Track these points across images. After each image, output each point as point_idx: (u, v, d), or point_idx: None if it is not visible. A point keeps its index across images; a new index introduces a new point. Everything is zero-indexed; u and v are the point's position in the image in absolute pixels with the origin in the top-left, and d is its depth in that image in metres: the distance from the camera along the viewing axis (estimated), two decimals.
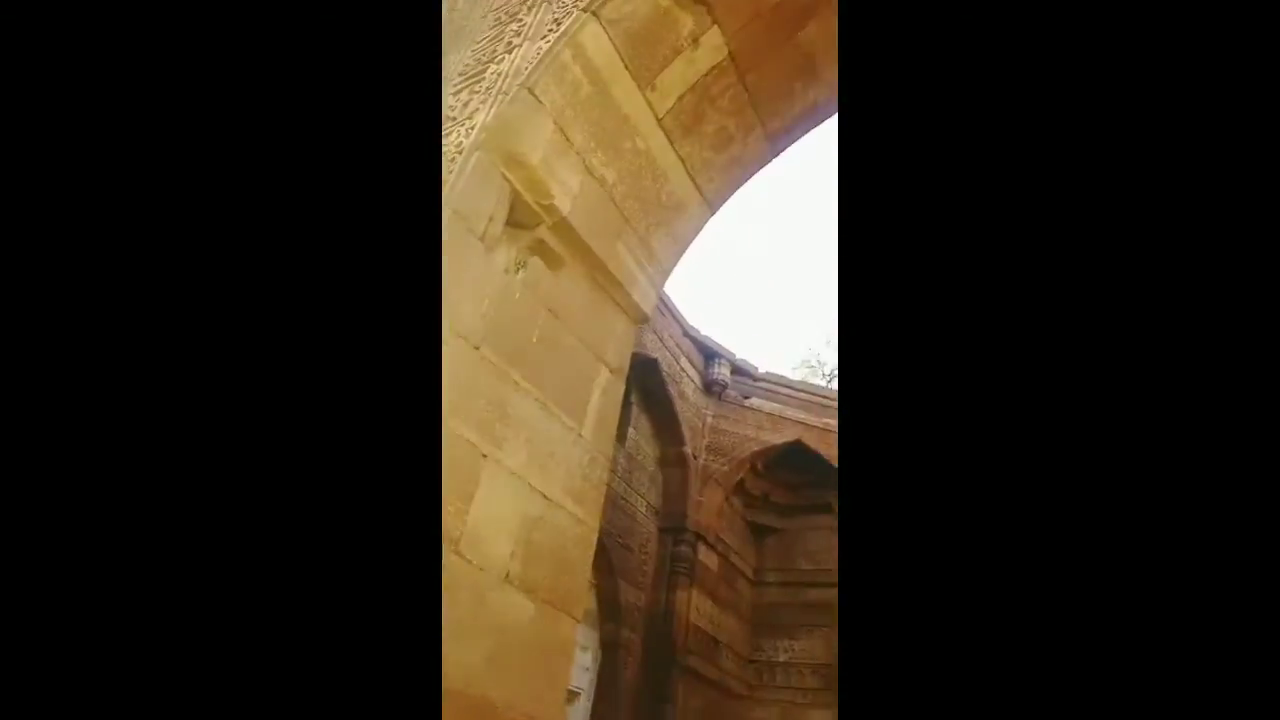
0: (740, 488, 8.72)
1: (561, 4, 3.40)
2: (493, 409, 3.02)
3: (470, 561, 2.77)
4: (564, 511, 3.31)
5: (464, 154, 3.14)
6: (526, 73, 3.23)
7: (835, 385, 11.89)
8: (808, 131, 4.10)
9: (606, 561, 6.85)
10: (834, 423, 9.07)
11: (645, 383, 7.66)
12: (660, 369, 7.70)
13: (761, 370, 9.28)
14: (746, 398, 8.92)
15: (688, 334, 8.32)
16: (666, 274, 4.13)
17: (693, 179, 3.99)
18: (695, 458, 8.24)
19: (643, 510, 7.74)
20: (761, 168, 4.22)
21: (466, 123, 3.29)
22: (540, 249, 3.42)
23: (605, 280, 3.75)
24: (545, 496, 3.22)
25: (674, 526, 7.91)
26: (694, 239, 4.23)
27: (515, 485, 3.06)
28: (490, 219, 3.13)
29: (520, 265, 3.37)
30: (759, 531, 9.15)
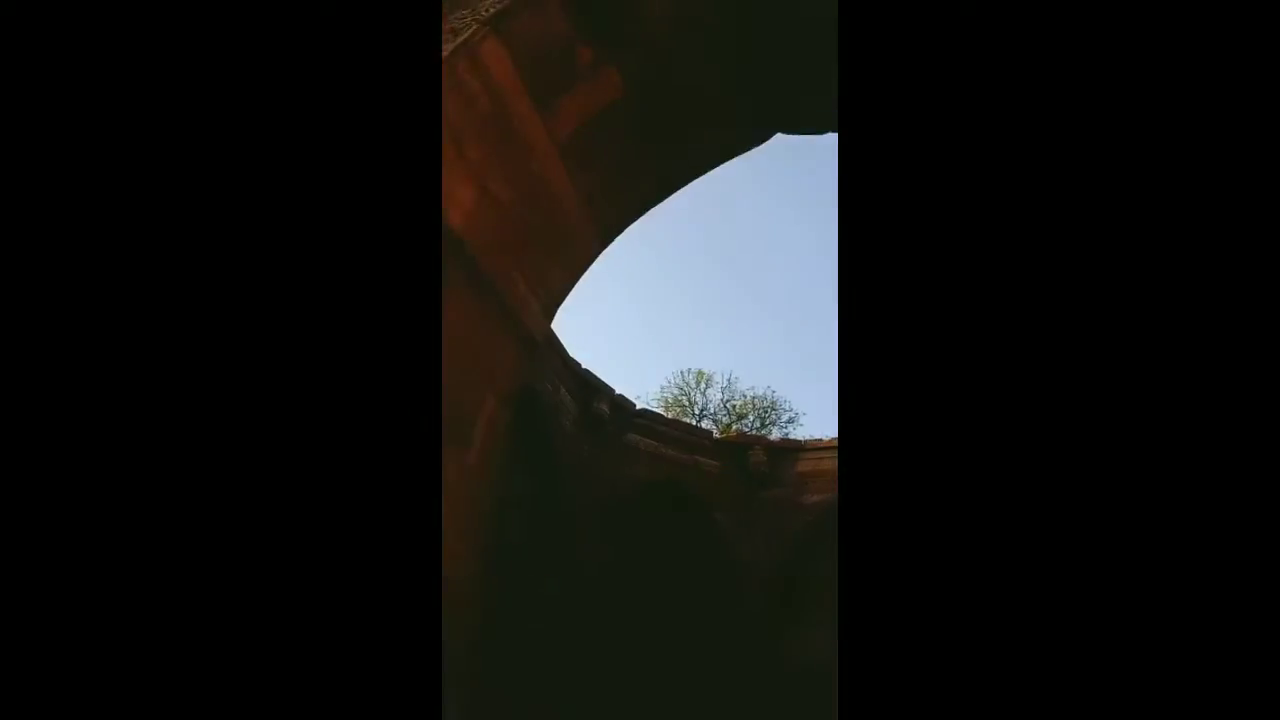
0: (618, 523, 8.62)
1: (460, 15, 3.29)
2: None
3: None
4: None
5: None
6: None
7: (705, 424, 12.28)
8: (703, 173, 4.26)
9: None
10: (705, 460, 9.30)
11: (524, 414, 7.39)
12: (540, 400, 7.49)
13: (639, 406, 9.35)
14: (623, 434, 8.91)
15: (567, 365, 8.21)
16: (558, 303, 4.05)
17: (590, 210, 3.98)
18: (571, 493, 8.04)
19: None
20: (653, 206, 4.32)
21: None
22: None
23: (496, 305, 3.59)
24: None
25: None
26: (585, 270, 4.20)
27: None
28: None
29: None
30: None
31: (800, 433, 12.27)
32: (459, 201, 3.23)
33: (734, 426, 13.01)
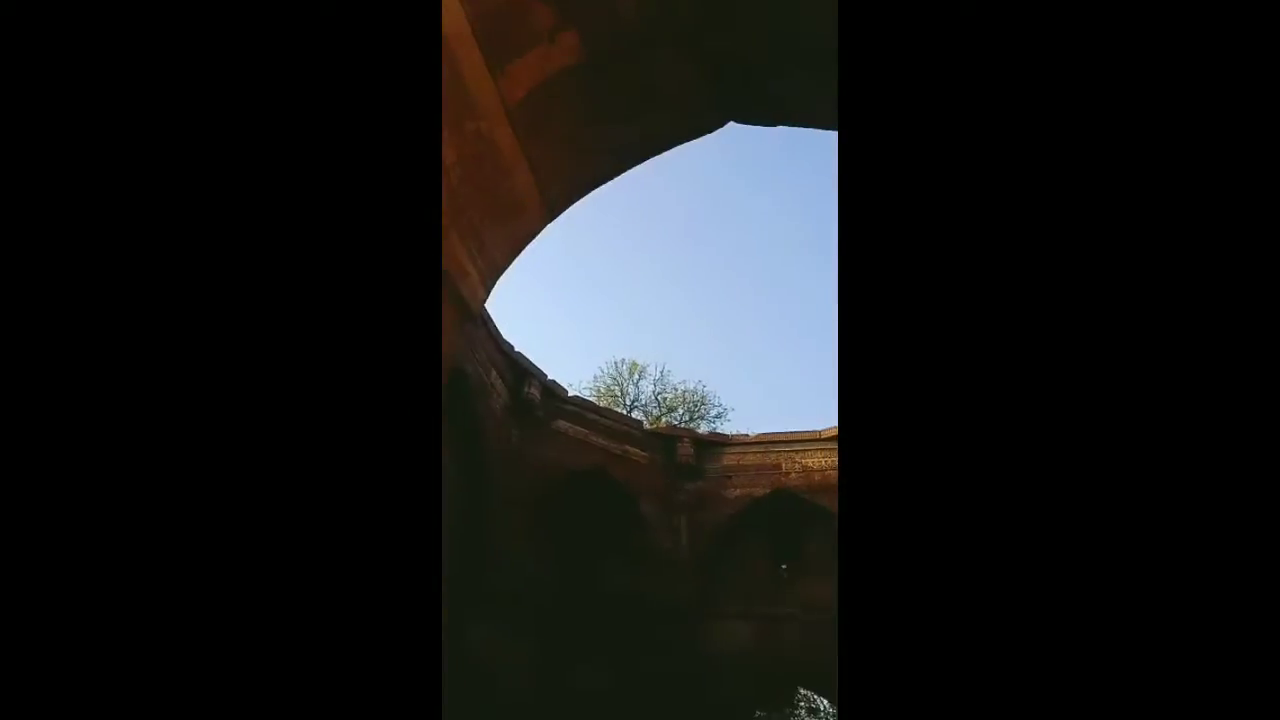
0: (544, 509, 8.49)
1: None
2: None
3: None
4: None
5: None
6: None
7: (636, 415, 12.29)
8: (655, 155, 4.20)
9: None
10: (634, 450, 9.30)
11: (452, 394, 7.12)
12: (469, 381, 7.24)
13: (570, 394, 9.23)
14: (553, 420, 8.77)
15: (499, 347, 7.98)
16: (498, 274, 3.89)
17: (536, 179, 3.84)
18: (498, 478, 7.84)
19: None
20: (603, 183, 4.22)
21: None
22: None
23: None
24: None
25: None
26: (528, 242, 4.06)
27: None
28: None
29: None
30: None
31: (727, 428, 12.50)
32: None
33: (664, 419, 13.09)
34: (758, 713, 11.60)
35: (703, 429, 11.88)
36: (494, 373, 7.92)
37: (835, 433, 9.69)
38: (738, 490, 9.54)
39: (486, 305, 4.53)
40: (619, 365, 15.31)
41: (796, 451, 9.68)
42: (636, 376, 15.18)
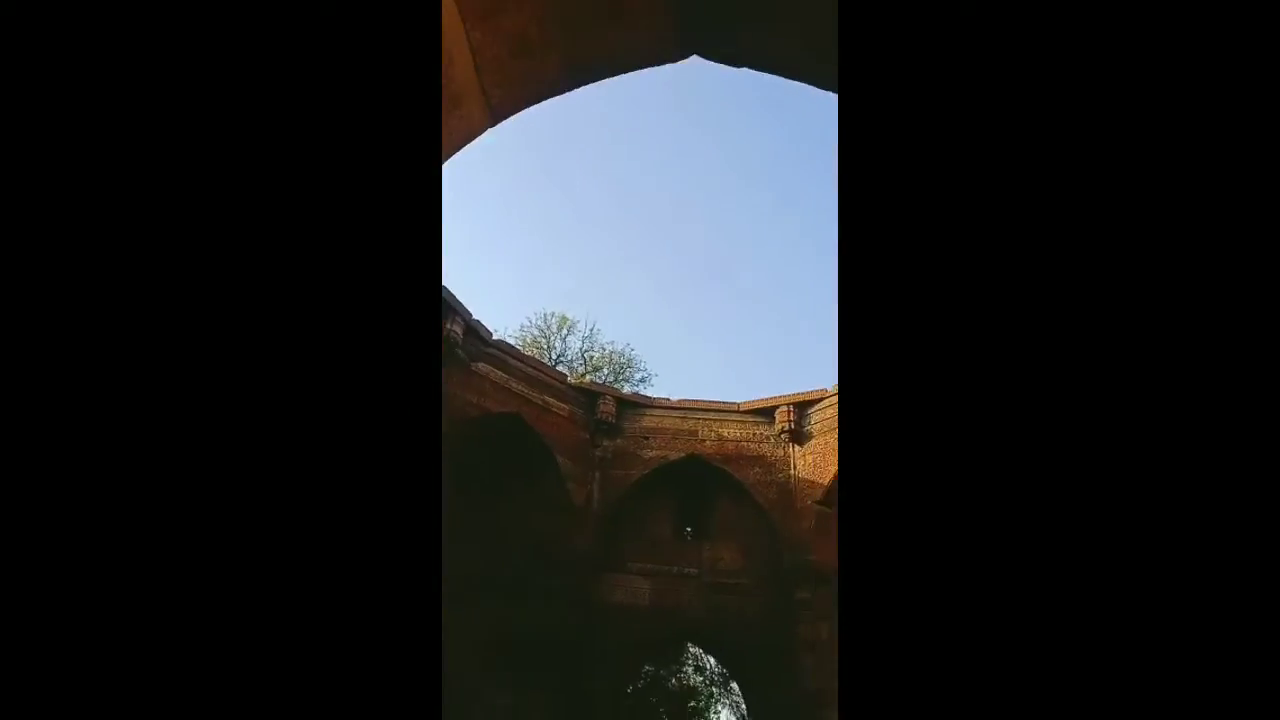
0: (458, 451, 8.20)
1: None
2: None
3: None
4: None
5: None
6: None
7: (561, 368, 12.08)
8: (612, 75, 3.96)
9: None
10: (555, 402, 9.13)
11: None
12: None
13: (494, 336, 8.92)
14: (474, 361, 8.46)
15: None
16: None
17: (479, 75, 3.53)
18: None
19: None
20: (555, 95, 3.95)
21: None
22: None
23: None
24: None
25: None
26: (465, 144, 3.75)
27: None
28: None
29: None
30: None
31: (650, 392, 12.51)
32: None
33: (588, 377, 12.96)
34: (646, 666, 11.91)
35: (626, 390, 11.82)
36: None
37: (754, 406, 9.90)
38: (653, 452, 9.59)
39: None
40: (548, 318, 14.97)
41: (714, 420, 9.82)
42: (565, 331, 14.92)
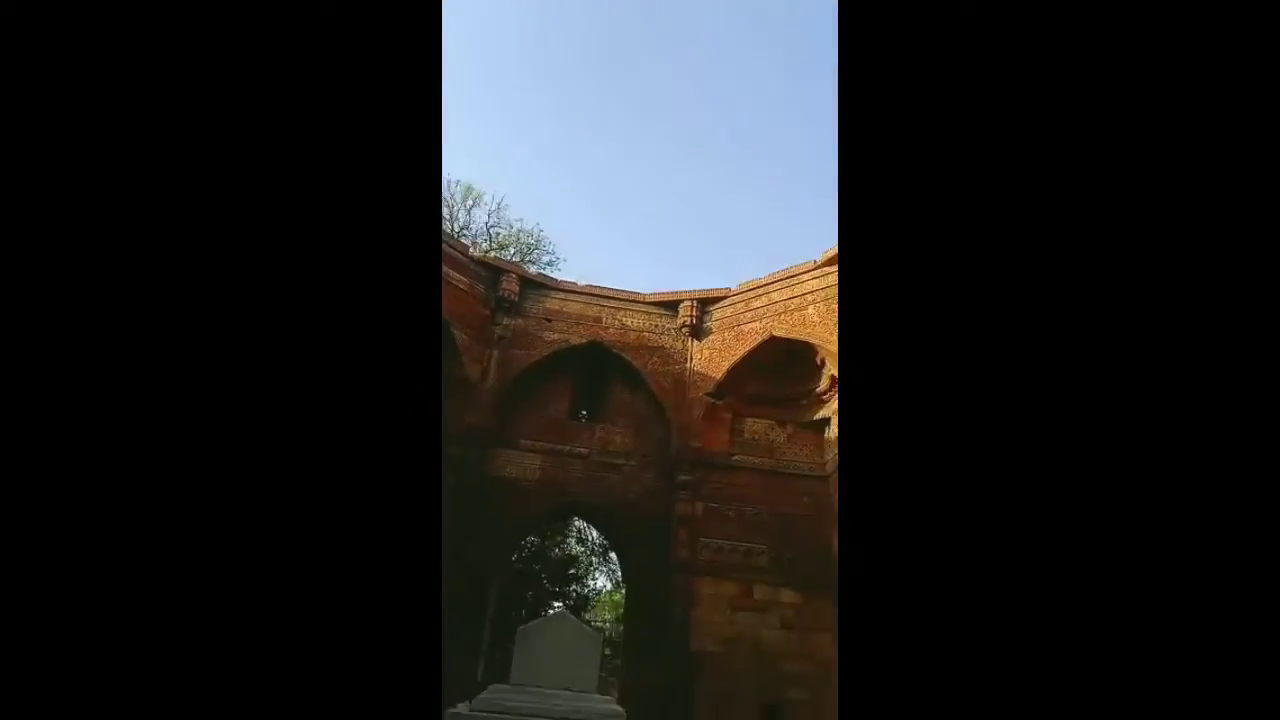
0: None
1: None
2: None
3: None
4: None
5: None
6: None
7: (464, 242, 11.43)
8: None
9: None
10: (455, 274, 8.71)
11: None
12: None
13: None
14: None
15: None
16: None
17: None
18: None
19: None
20: None
21: None
22: None
23: None
24: None
25: None
26: None
27: None
28: None
29: None
30: None
31: (557, 276, 12.23)
32: None
33: (492, 254, 12.41)
34: (530, 536, 12.54)
35: (532, 271, 11.49)
36: None
37: (659, 298, 9.99)
38: (555, 335, 9.54)
39: None
40: (452, 186, 13.94)
41: (619, 309, 9.84)
42: (470, 203, 14.02)
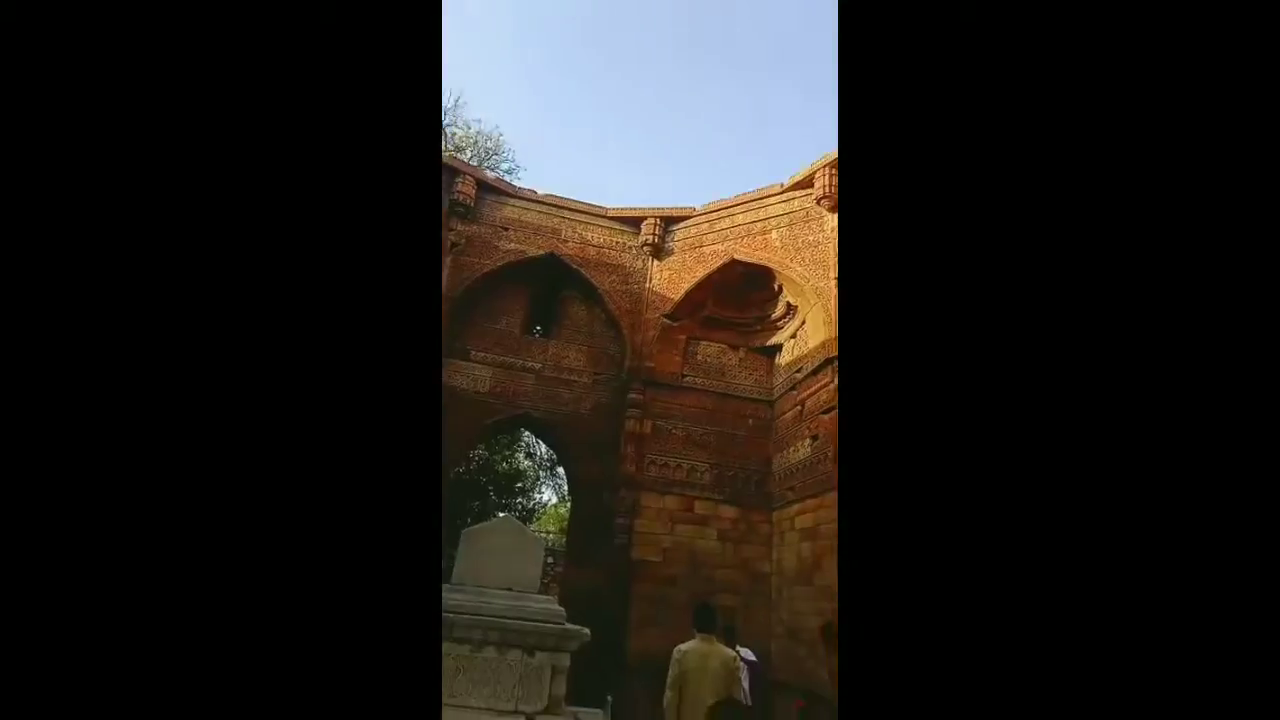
0: None
1: None
2: None
3: None
4: None
5: None
6: None
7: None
8: None
9: None
10: None
11: None
12: None
13: None
14: None
15: None
16: None
17: None
18: None
19: None
20: None
21: None
22: None
23: None
24: None
25: None
26: None
27: None
28: None
29: None
30: None
31: (516, 184, 11.67)
32: None
33: (448, 153, 11.68)
34: (478, 448, 12.56)
35: (490, 175, 10.91)
36: None
37: (622, 213, 9.68)
38: (512, 245, 9.19)
39: None
40: None
41: (580, 222, 9.51)
42: None
